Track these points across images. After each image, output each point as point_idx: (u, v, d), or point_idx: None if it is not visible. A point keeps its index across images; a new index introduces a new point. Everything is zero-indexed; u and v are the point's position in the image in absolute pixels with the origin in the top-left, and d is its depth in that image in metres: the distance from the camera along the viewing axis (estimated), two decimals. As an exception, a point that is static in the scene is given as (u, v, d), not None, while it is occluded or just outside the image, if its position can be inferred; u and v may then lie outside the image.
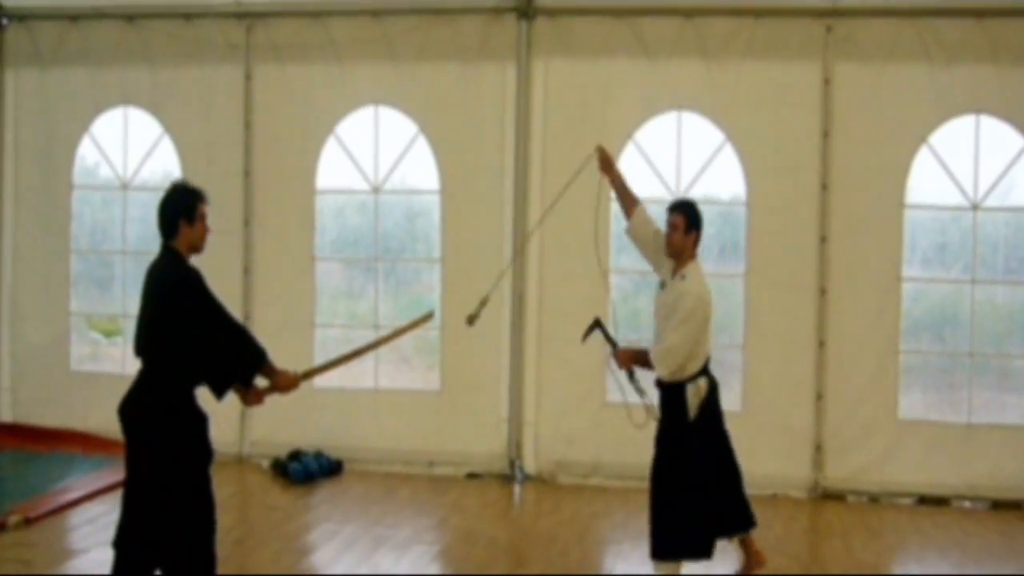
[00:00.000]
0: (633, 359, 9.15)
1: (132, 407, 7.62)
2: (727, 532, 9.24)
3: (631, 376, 9.24)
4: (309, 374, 8.39)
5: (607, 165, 9.52)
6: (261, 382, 7.97)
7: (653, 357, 8.92)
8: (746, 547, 9.36)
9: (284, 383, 7.93)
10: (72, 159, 13.90)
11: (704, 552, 9.00)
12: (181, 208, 7.78)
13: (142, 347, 7.70)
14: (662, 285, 9.19)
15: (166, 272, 7.64)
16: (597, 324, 9.53)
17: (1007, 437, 11.95)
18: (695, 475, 8.93)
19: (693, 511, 8.89)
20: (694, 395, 8.97)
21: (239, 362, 7.63)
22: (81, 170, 14.07)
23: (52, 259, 13.94)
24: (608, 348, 9.48)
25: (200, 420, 7.80)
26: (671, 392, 9.00)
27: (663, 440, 9.07)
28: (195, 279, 7.61)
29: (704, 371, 9.06)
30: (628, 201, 9.57)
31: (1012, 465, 11.84)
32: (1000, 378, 12.42)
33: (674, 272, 9.10)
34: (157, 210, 7.79)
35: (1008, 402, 12.37)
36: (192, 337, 7.43)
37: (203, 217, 7.85)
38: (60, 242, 13.92)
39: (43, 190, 13.93)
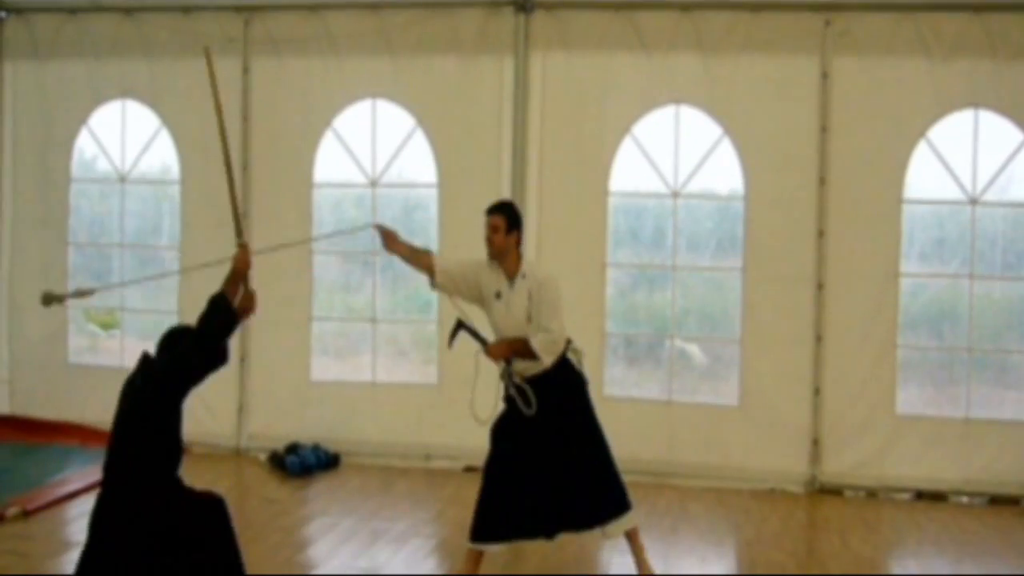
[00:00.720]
0: (507, 350, 9.12)
1: None
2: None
3: (508, 366, 9.19)
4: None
5: (391, 241, 9.35)
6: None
7: (539, 348, 8.91)
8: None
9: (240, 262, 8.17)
10: (70, 152, 13.92)
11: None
12: None
13: None
14: (498, 295, 9.08)
15: None
16: (460, 325, 9.42)
17: (1005, 432, 11.94)
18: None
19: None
20: (576, 357, 9.19)
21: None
22: (79, 163, 14.08)
23: (50, 252, 13.96)
24: (477, 345, 9.38)
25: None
26: (559, 369, 9.06)
27: (579, 412, 9.15)
28: None
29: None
30: (422, 261, 9.39)
31: (1010, 460, 11.85)
32: (998, 373, 12.40)
33: (510, 278, 9.06)
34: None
35: (1006, 397, 12.34)
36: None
37: None
38: (58, 235, 13.93)
39: (41, 183, 13.95)
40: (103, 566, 7.21)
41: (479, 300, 9.25)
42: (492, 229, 9.04)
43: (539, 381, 9.04)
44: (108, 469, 7.46)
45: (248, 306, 7.84)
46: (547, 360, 8.92)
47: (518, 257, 9.06)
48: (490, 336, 9.27)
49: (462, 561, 9.18)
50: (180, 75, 13.32)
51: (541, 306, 8.92)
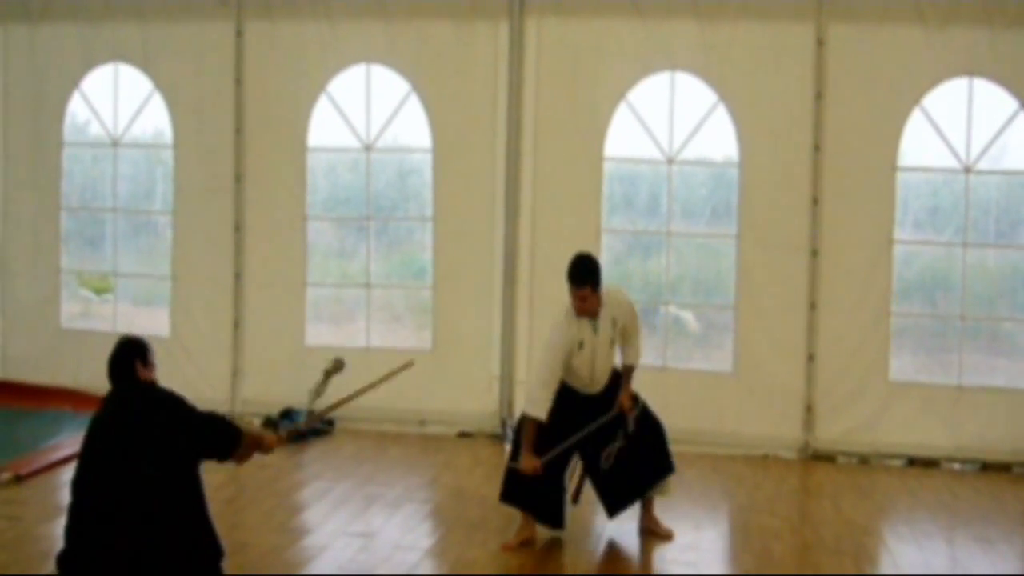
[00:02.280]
0: (630, 399, 9.49)
1: None
2: None
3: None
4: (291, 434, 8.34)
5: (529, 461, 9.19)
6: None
7: (636, 365, 9.55)
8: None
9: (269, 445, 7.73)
10: (62, 116, 13.85)
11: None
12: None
13: None
14: (581, 345, 9.14)
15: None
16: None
17: (997, 399, 11.97)
18: None
19: None
20: None
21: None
22: (71, 127, 14.02)
23: (42, 216, 13.93)
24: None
25: None
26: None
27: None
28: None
29: None
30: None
31: (1001, 427, 11.88)
32: (991, 341, 12.46)
33: (593, 318, 9.15)
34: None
35: (998, 365, 12.41)
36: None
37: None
38: (50, 199, 13.90)
39: (33, 147, 13.90)
40: None
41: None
42: (582, 299, 9.02)
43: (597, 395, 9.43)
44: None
45: (246, 455, 7.63)
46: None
47: (598, 300, 9.13)
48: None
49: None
50: (173, 39, 13.32)
51: (628, 330, 9.33)
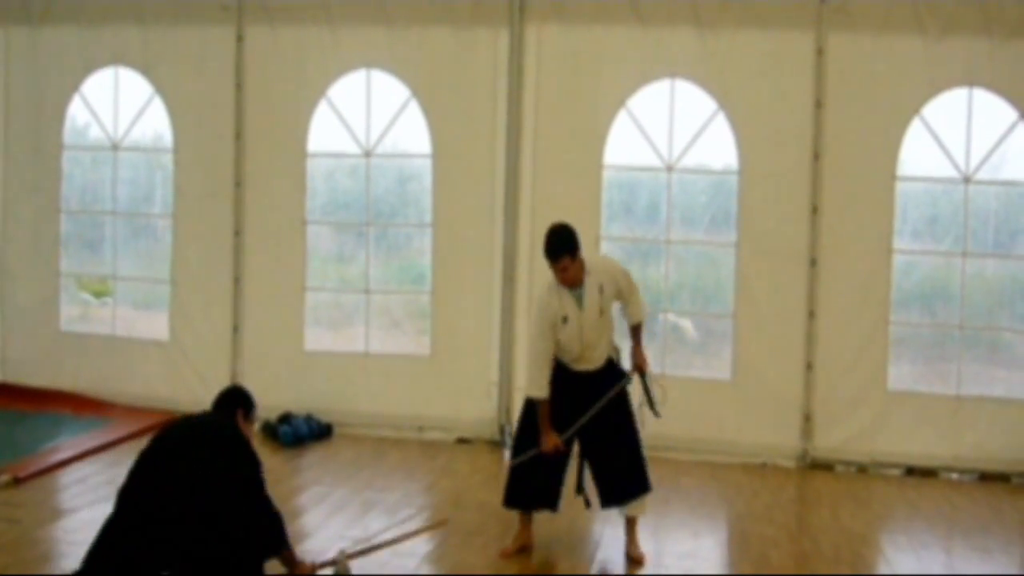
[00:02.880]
0: (642, 357, 9.50)
1: None
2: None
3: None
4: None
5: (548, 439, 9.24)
6: None
7: (642, 321, 9.42)
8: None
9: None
10: (62, 119, 13.86)
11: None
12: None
13: None
14: (565, 320, 9.06)
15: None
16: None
17: (995, 410, 11.98)
18: None
19: None
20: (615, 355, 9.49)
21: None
22: (71, 130, 14.02)
23: (42, 219, 13.94)
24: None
25: None
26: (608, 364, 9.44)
27: (619, 399, 9.38)
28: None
29: None
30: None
31: (1000, 437, 11.90)
32: (989, 351, 12.44)
33: (575, 287, 9.11)
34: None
35: (997, 375, 12.40)
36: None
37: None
38: (50, 202, 13.91)
39: (33, 150, 13.91)
40: None
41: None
42: (563, 270, 8.99)
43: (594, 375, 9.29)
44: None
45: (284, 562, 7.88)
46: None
47: (580, 267, 9.08)
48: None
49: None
50: (174, 43, 13.32)
51: (622, 291, 9.22)
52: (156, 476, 7.35)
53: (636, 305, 9.33)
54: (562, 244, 8.96)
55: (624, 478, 9.31)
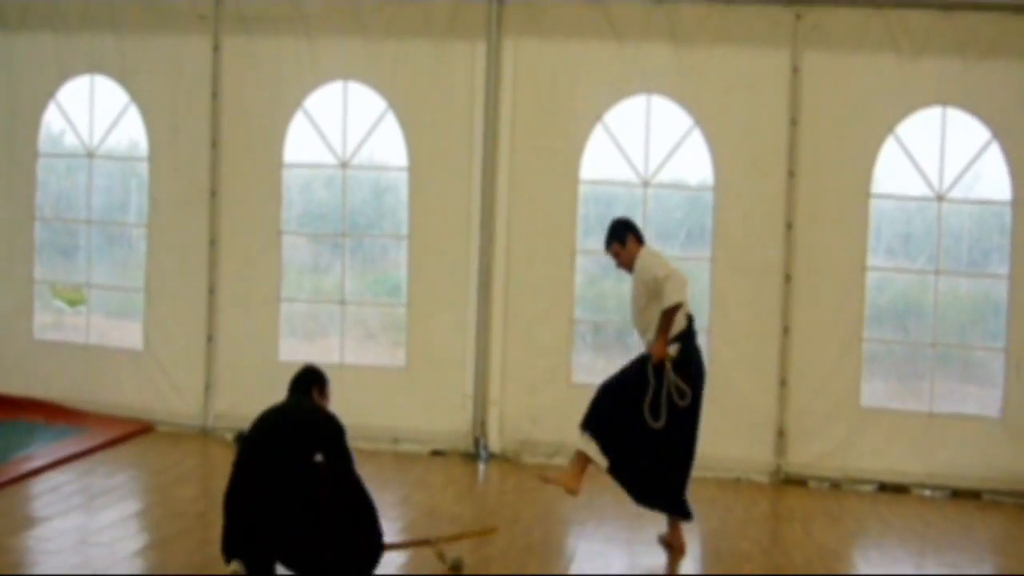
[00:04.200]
0: (662, 345, 9.62)
1: None
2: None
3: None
4: None
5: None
6: None
7: (667, 303, 9.47)
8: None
9: None
10: (37, 126, 13.82)
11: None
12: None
13: None
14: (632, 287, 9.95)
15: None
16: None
17: (968, 427, 12.05)
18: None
19: None
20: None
21: None
22: (46, 137, 13.96)
23: (16, 227, 13.87)
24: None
25: None
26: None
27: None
28: None
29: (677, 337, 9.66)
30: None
31: (972, 455, 11.96)
32: (962, 369, 12.54)
33: (632, 273, 9.86)
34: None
35: (969, 393, 12.48)
36: None
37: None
38: (24, 210, 13.84)
39: (7, 157, 13.85)
40: None
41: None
42: (615, 255, 9.89)
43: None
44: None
45: None
46: (679, 297, 9.47)
47: (630, 256, 9.81)
48: None
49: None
50: (150, 51, 13.34)
51: (648, 284, 9.60)
52: (256, 471, 8.14)
53: (661, 295, 9.47)
54: (610, 234, 9.90)
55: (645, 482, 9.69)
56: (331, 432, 8.32)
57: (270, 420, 8.45)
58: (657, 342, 9.54)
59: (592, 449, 9.56)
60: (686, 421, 9.64)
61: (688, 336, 9.65)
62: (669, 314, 9.45)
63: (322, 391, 8.75)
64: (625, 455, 9.55)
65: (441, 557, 8.92)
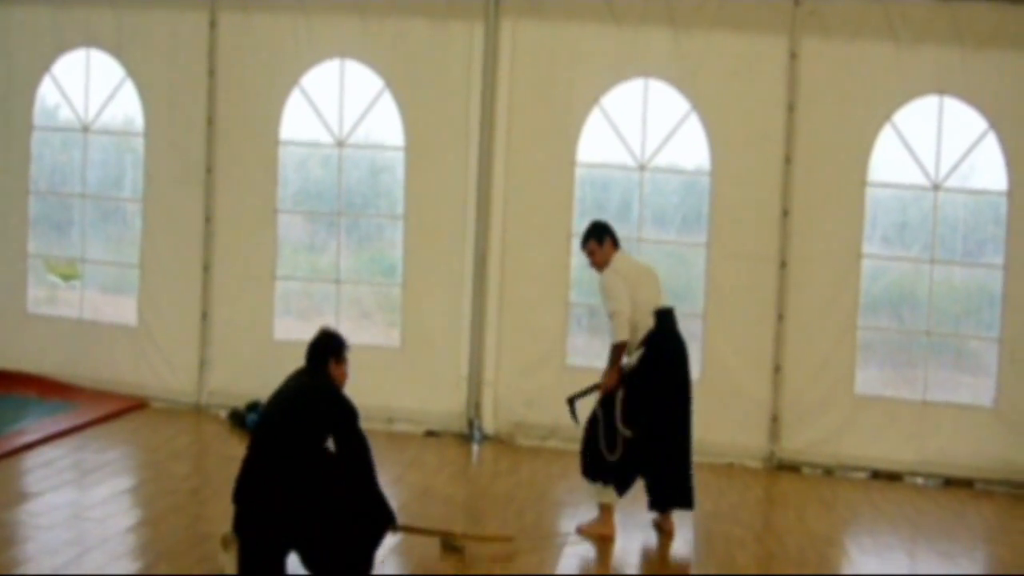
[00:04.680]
0: (613, 375, 9.65)
1: None
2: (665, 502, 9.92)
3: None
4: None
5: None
6: None
7: (613, 337, 9.63)
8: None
9: None
10: (32, 99, 13.77)
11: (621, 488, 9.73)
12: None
13: None
14: None
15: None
16: (572, 400, 9.94)
17: (960, 416, 12.11)
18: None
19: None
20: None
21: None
22: (41, 111, 13.93)
23: (10, 200, 13.85)
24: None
25: None
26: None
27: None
28: None
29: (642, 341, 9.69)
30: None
31: (965, 443, 12.01)
32: (956, 358, 12.59)
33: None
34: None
35: (962, 382, 12.54)
36: None
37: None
38: (19, 183, 13.81)
39: (2, 130, 13.83)
40: None
41: None
42: (590, 254, 9.90)
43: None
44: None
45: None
46: (622, 336, 9.55)
47: (602, 259, 9.88)
48: None
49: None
50: (147, 26, 13.29)
51: (603, 300, 9.79)
52: (267, 458, 8.07)
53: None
54: (588, 232, 10.01)
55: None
56: (343, 418, 8.23)
57: (282, 404, 8.28)
58: (607, 374, 9.64)
59: (604, 495, 9.69)
60: (677, 415, 9.78)
61: (657, 336, 9.70)
62: (615, 350, 9.61)
63: (339, 359, 8.53)
64: (633, 472, 9.67)
65: (447, 546, 8.97)
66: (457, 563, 8.82)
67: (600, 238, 9.84)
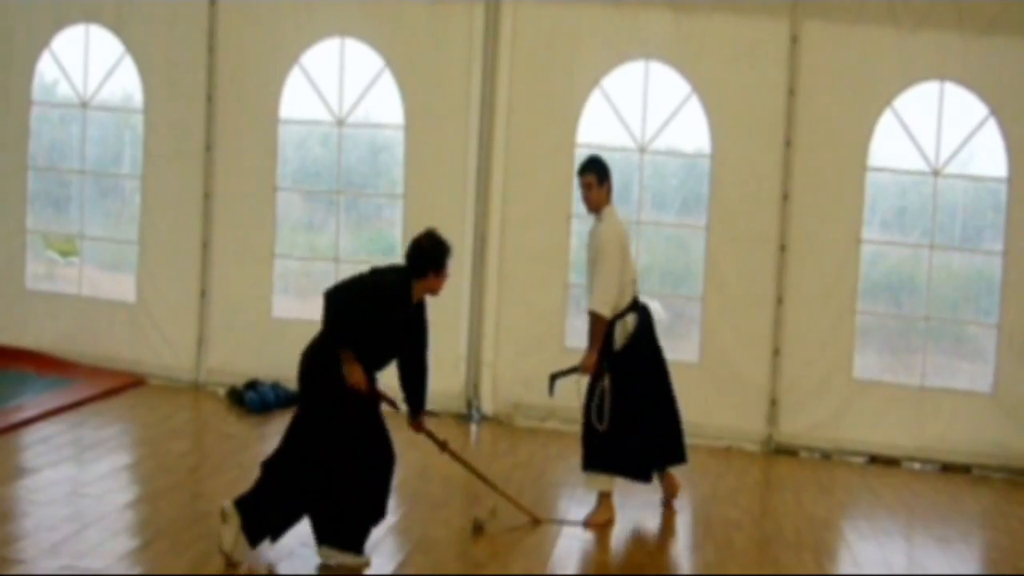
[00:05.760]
0: (593, 356, 9.56)
1: None
2: (664, 462, 9.99)
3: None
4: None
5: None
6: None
7: (592, 310, 9.48)
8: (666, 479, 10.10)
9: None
10: (31, 75, 13.72)
11: (641, 475, 9.72)
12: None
13: None
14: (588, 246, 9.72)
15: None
16: (553, 377, 9.91)
17: (959, 401, 12.12)
18: (627, 401, 9.52)
19: (628, 433, 9.48)
20: (621, 331, 9.58)
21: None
22: (40, 87, 13.89)
23: (9, 176, 13.81)
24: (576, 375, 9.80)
25: None
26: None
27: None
28: None
29: (632, 307, 9.61)
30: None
31: (962, 429, 12.03)
32: (954, 343, 12.64)
33: (595, 218, 9.75)
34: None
35: (960, 367, 12.59)
36: None
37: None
38: (17, 159, 13.78)
39: (1, 105, 13.74)
40: None
41: None
42: (586, 187, 9.64)
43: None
44: None
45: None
46: (605, 312, 9.44)
47: (604, 205, 9.68)
48: None
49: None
50: (146, 2, 13.30)
51: (593, 256, 9.58)
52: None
53: (594, 277, 9.56)
54: (591, 163, 9.79)
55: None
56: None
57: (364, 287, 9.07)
58: (587, 354, 9.57)
59: (599, 483, 9.69)
60: (660, 382, 9.92)
61: (630, 311, 9.67)
62: (595, 323, 9.50)
63: (438, 272, 8.67)
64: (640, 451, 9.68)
65: (480, 521, 9.20)
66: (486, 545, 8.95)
67: (602, 176, 9.66)
